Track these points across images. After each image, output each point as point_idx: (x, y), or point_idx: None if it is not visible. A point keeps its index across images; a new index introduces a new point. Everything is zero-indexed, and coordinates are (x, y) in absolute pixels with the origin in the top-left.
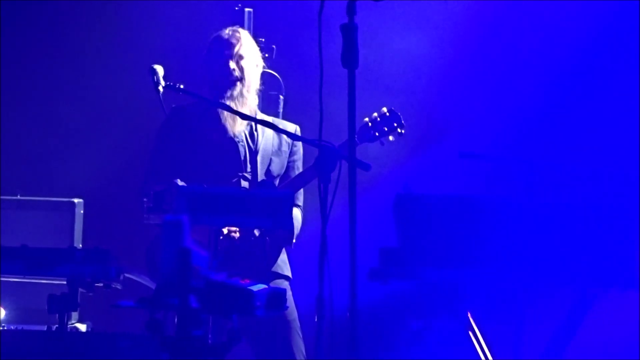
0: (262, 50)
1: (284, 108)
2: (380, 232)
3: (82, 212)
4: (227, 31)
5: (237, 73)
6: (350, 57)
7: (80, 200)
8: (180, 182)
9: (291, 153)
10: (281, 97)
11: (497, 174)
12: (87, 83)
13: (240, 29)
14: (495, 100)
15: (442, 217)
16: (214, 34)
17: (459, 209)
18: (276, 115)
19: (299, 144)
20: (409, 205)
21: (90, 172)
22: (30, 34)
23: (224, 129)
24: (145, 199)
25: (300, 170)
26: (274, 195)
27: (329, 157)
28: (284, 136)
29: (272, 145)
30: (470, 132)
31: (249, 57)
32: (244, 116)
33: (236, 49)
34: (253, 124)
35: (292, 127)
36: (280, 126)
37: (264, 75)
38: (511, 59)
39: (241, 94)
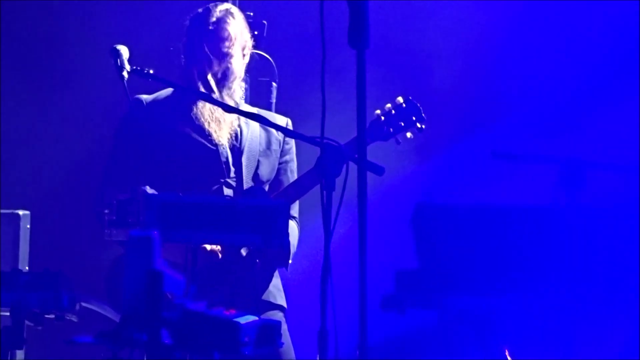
0: (250, 27)
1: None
2: (395, 250)
3: (28, 226)
4: (214, 16)
5: (219, 66)
6: (359, 35)
7: (26, 212)
8: (149, 190)
9: (282, 152)
10: (274, 84)
11: (538, 178)
12: (33, 78)
13: (233, 9)
14: (536, 88)
15: (471, 231)
16: (197, 13)
17: (491, 221)
18: (268, 106)
19: (292, 142)
20: (431, 218)
21: (38, 178)
22: None
23: (200, 126)
24: (106, 210)
25: (294, 174)
26: (266, 205)
27: (333, 159)
28: (274, 132)
29: (260, 144)
30: (505, 127)
31: (239, 43)
32: (228, 108)
33: (226, 44)
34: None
35: (282, 121)
36: (264, 114)
37: (252, 58)
38: (552, 43)
39: (224, 88)
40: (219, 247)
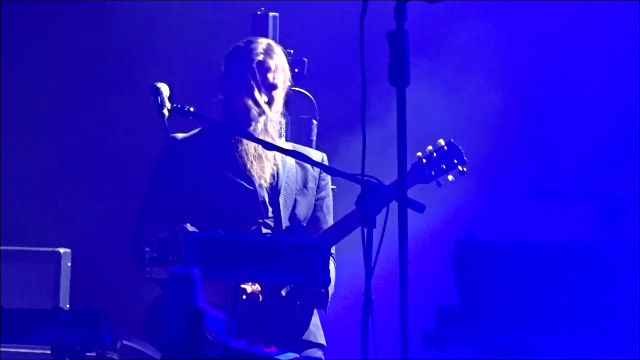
0: (291, 64)
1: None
2: (437, 287)
3: (69, 264)
4: (259, 48)
5: (264, 105)
6: (399, 72)
7: (67, 250)
8: (190, 227)
9: (319, 189)
10: (314, 121)
11: (581, 215)
12: (74, 116)
13: (274, 44)
14: (578, 125)
15: (513, 268)
16: (239, 46)
17: (532, 258)
18: (309, 144)
19: (328, 178)
20: (472, 255)
21: (79, 217)
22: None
23: (237, 165)
24: (146, 248)
25: (330, 209)
26: (307, 243)
27: (373, 196)
28: (310, 169)
29: (296, 182)
30: (547, 164)
31: (284, 75)
32: (268, 145)
33: (271, 76)
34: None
35: (317, 156)
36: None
37: (293, 96)
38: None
39: (265, 126)
40: (259, 288)
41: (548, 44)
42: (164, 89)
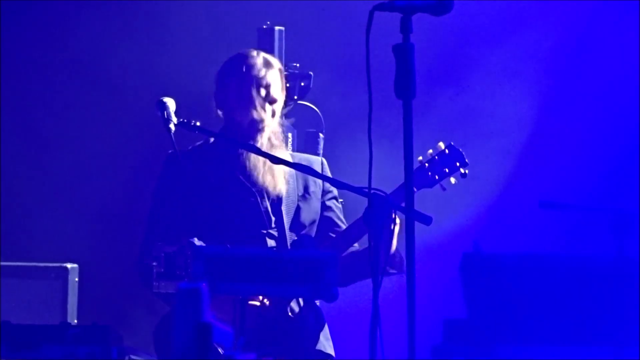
0: (296, 78)
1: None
2: (444, 300)
3: (76, 279)
4: (258, 61)
5: (269, 118)
6: (405, 85)
7: (75, 265)
8: (197, 242)
9: (324, 190)
10: (321, 135)
11: (587, 227)
12: (79, 125)
13: (269, 56)
14: (585, 137)
15: (520, 281)
16: (235, 61)
17: (539, 271)
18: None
19: (330, 173)
20: (479, 267)
21: (86, 232)
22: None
23: (241, 178)
24: (154, 263)
25: (340, 207)
26: (314, 256)
27: (380, 209)
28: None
29: (298, 189)
30: (553, 176)
31: (282, 94)
32: (276, 160)
33: (273, 90)
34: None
35: (316, 162)
36: (297, 159)
37: (299, 109)
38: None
39: (270, 139)
40: (267, 302)
41: (556, 54)
42: (170, 103)
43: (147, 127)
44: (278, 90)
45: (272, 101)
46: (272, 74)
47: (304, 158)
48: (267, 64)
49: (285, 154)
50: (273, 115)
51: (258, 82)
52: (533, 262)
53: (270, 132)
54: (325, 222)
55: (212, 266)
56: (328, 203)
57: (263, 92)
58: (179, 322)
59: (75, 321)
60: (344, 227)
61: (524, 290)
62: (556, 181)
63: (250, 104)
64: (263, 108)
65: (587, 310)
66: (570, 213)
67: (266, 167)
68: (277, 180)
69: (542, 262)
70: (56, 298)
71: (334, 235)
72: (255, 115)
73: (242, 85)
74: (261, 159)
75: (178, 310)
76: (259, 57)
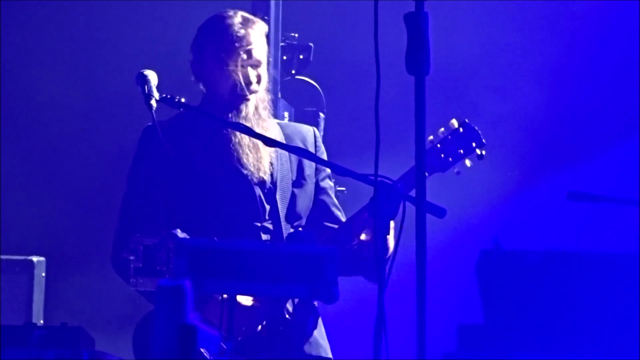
0: (294, 50)
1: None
2: (458, 302)
3: (43, 274)
4: (235, 20)
5: (254, 84)
6: (418, 59)
7: (41, 258)
8: (180, 234)
9: (317, 169)
10: (321, 115)
11: (622, 223)
12: (46, 117)
13: (251, 16)
14: (618, 123)
15: (543, 282)
16: (212, 20)
17: (565, 270)
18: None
19: (322, 148)
20: (498, 266)
21: (55, 221)
22: None
23: (229, 159)
24: (131, 257)
25: (333, 187)
26: (313, 252)
27: (388, 199)
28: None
29: (291, 172)
30: (583, 165)
31: (265, 57)
32: (269, 141)
33: (255, 51)
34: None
35: (308, 131)
36: (289, 130)
37: (297, 85)
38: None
39: (257, 109)
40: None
41: (588, 46)
42: (152, 77)
43: (120, 114)
44: (262, 52)
45: (255, 64)
46: (254, 33)
47: (295, 128)
48: (246, 23)
49: (274, 124)
50: (258, 81)
51: (237, 43)
52: (558, 260)
53: (257, 100)
54: (320, 207)
55: (197, 261)
56: (322, 184)
57: (244, 54)
58: (160, 323)
59: (42, 321)
60: (338, 213)
61: (549, 292)
62: (587, 171)
63: (230, 68)
64: (246, 72)
65: (620, 316)
66: (601, 206)
67: (251, 145)
68: (263, 160)
69: (568, 261)
70: (20, 295)
71: (328, 224)
72: (236, 79)
73: (219, 49)
74: (245, 136)
75: (158, 311)
76: (236, 16)
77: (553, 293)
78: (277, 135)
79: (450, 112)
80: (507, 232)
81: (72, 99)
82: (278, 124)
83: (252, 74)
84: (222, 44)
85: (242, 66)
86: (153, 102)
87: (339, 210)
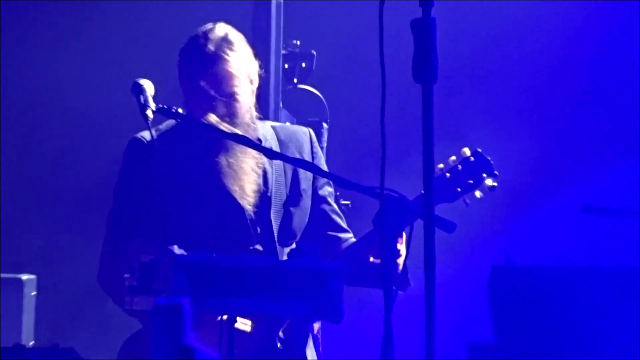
0: (296, 58)
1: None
2: (468, 320)
3: (33, 293)
4: (211, 42)
5: (229, 106)
6: (425, 67)
7: (32, 276)
8: (177, 250)
9: (314, 179)
10: (325, 125)
11: (635, 235)
12: (33, 133)
13: (229, 32)
14: (634, 133)
15: (555, 298)
16: (189, 41)
17: (578, 286)
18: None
19: (319, 154)
20: (510, 282)
21: (45, 239)
22: None
23: (218, 177)
24: (125, 275)
25: (333, 192)
26: (316, 267)
27: (395, 213)
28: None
29: (286, 186)
30: (598, 177)
31: (245, 74)
32: (269, 153)
33: (230, 77)
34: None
35: (304, 133)
36: (283, 134)
37: (301, 94)
38: None
39: (236, 113)
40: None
41: (603, 53)
42: (148, 86)
43: (114, 126)
44: (239, 78)
45: (229, 91)
46: (228, 58)
47: (290, 131)
48: (222, 46)
49: (265, 125)
50: (234, 102)
51: (210, 71)
52: (572, 275)
53: (236, 119)
54: (320, 217)
55: (196, 278)
56: (321, 192)
57: (216, 81)
58: (156, 345)
59: (32, 342)
60: (339, 220)
61: (562, 309)
62: (602, 183)
63: (203, 94)
64: (217, 108)
65: (634, 332)
66: (616, 219)
67: (241, 164)
68: (252, 182)
69: (582, 276)
70: (9, 315)
71: (330, 233)
72: (209, 106)
73: (191, 73)
74: (237, 153)
75: (155, 331)
76: (211, 38)
77: (567, 310)
78: (271, 140)
79: (458, 121)
80: (518, 247)
81: (69, 110)
82: (272, 127)
83: (222, 108)
84: (195, 63)
85: (214, 86)
86: (149, 113)
87: (340, 217)
